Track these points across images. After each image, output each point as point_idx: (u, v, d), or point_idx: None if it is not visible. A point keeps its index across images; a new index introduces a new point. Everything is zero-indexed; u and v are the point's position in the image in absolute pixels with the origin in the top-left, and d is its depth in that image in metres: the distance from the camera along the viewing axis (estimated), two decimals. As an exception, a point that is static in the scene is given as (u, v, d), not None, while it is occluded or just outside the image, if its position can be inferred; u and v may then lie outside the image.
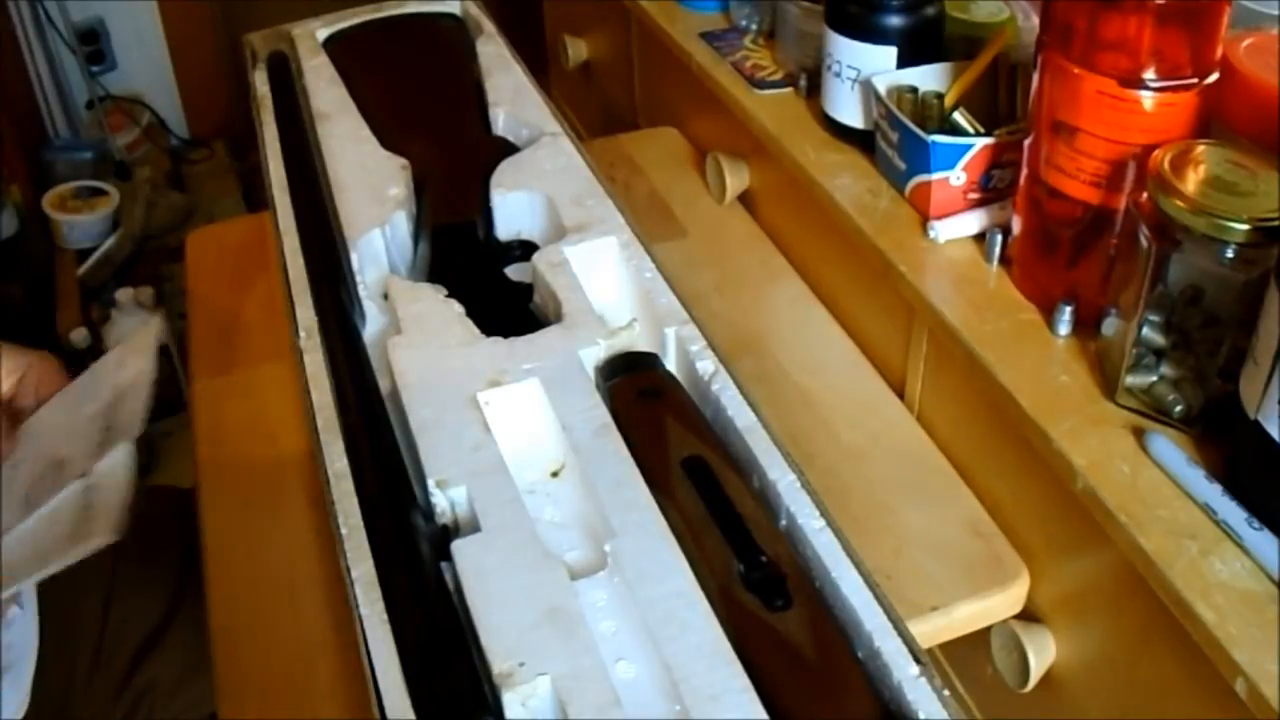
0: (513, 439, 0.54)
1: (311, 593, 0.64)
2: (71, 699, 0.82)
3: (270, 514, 0.70)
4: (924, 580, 0.64)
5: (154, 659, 0.84)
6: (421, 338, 0.59)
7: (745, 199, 0.98)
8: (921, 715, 0.41)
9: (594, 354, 0.58)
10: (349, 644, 0.47)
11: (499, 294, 0.67)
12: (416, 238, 0.69)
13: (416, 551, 0.48)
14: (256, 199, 2.06)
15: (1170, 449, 0.57)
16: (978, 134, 0.74)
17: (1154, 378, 0.60)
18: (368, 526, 0.49)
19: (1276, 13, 0.66)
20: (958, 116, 0.76)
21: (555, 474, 0.55)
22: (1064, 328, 0.66)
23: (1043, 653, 0.66)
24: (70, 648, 0.82)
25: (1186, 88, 0.58)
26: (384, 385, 0.59)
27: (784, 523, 0.50)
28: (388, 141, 0.72)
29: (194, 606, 0.81)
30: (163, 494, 0.96)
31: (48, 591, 0.83)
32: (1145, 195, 0.56)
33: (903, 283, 0.72)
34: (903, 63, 0.79)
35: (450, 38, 0.89)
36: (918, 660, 0.42)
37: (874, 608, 0.45)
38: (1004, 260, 0.72)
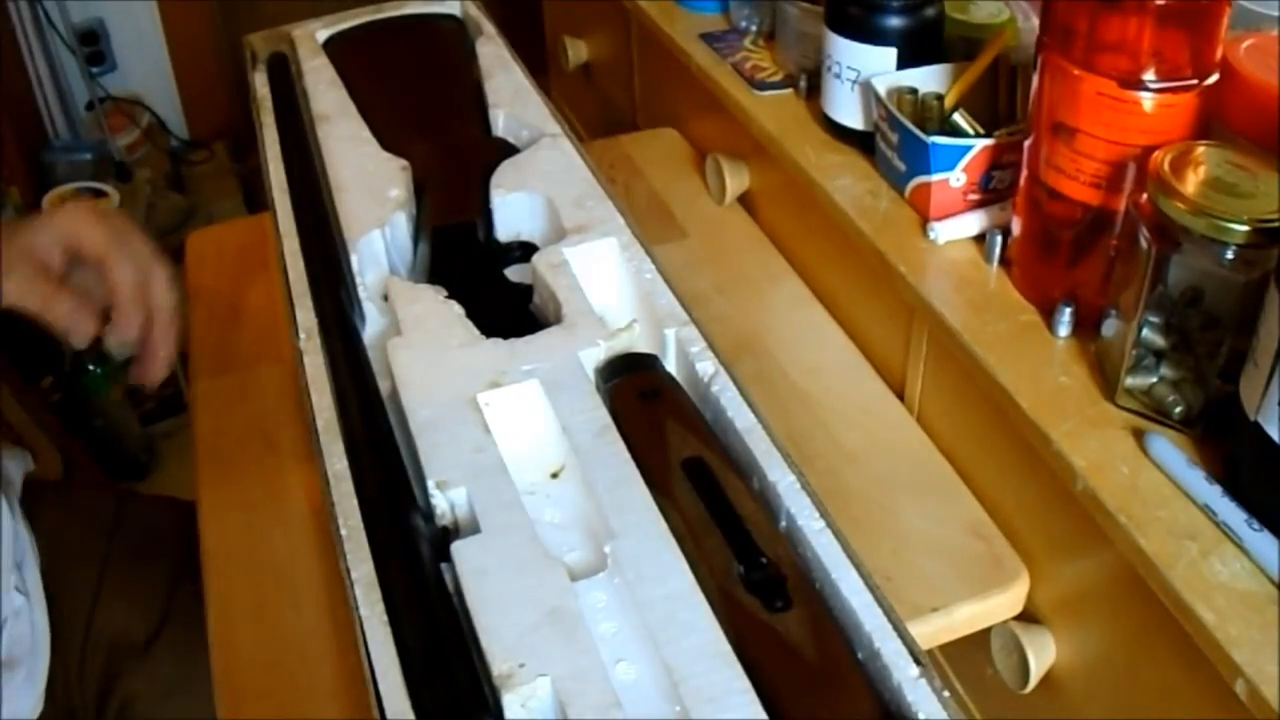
0: (513, 440, 0.54)
1: (311, 593, 0.64)
2: (69, 702, 0.81)
3: (270, 514, 0.70)
4: (924, 581, 0.64)
5: (138, 671, 0.83)
6: (421, 339, 0.59)
7: (745, 200, 0.98)
8: (921, 716, 0.41)
9: (594, 355, 0.58)
10: (349, 645, 0.47)
11: (499, 295, 0.67)
12: (416, 239, 0.69)
13: (416, 553, 0.48)
14: (256, 200, 2.06)
15: (1170, 450, 0.57)
16: (978, 135, 0.74)
17: (1154, 379, 0.60)
18: (368, 528, 0.49)
19: (1276, 14, 0.66)
20: (958, 118, 0.76)
21: (555, 475, 0.55)
22: (1064, 329, 0.66)
23: (1043, 654, 0.66)
24: (62, 650, 0.82)
25: (1186, 89, 0.58)
26: (384, 386, 0.59)
27: (784, 524, 0.50)
28: (388, 143, 0.72)
29: (184, 620, 0.80)
30: (162, 504, 0.95)
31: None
32: (1145, 196, 0.56)
33: (903, 284, 0.72)
34: (902, 64, 0.79)
35: (450, 39, 0.89)
36: (918, 661, 0.42)
37: (874, 609, 0.45)
38: (1004, 261, 0.72)
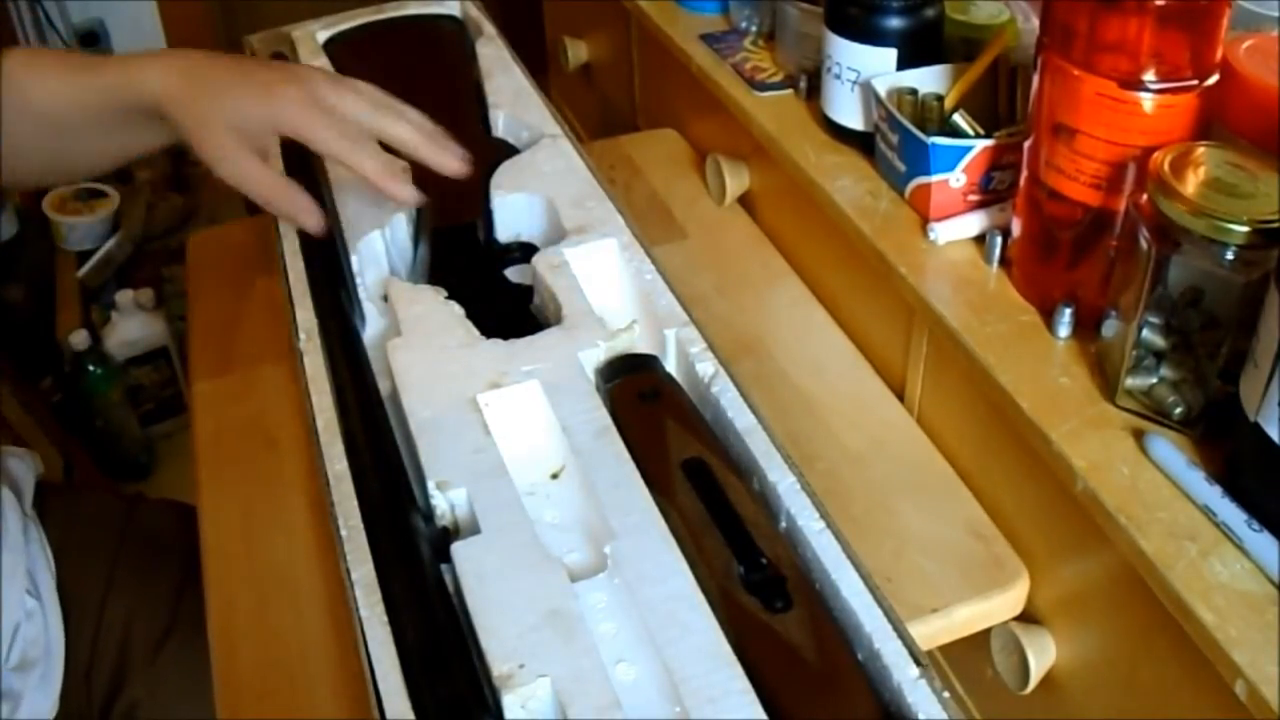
0: (513, 441, 0.54)
1: (311, 594, 0.64)
2: (76, 705, 0.81)
3: (270, 515, 0.69)
4: (924, 582, 0.64)
5: (144, 676, 0.82)
6: (421, 340, 0.59)
7: (745, 201, 0.98)
8: (921, 717, 0.41)
9: (594, 356, 0.58)
10: (349, 645, 0.47)
11: (499, 296, 0.67)
12: (416, 240, 0.69)
13: (416, 553, 0.48)
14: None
15: (1170, 451, 0.57)
16: (978, 136, 0.74)
17: (1154, 380, 0.60)
18: (368, 528, 0.49)
19: (1276, 14, 0.66)
20: (958, 118, 0.76)
21: (555, 476, 0.55)
22: (1064, 329, 0.66)
23: (1043, 654, 0.66)
24: (70, 653, 0.82)
25: (1186, 89, 0.58)
26: (384, 387, 0.59)
27: (784, 524, 0.50)
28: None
29: (190, 625, 0.80)
30: (169, 509, 0.95)
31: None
32: (1145, 197, 0.56)
33: (903, 284, 0.72)
34: (902, 65, 0.79)
35: (450, 39, 0.89)
36: (918, 662, 0.42)
37: (874, 609, 0.45)
38: (1004, 262, 0.72)
